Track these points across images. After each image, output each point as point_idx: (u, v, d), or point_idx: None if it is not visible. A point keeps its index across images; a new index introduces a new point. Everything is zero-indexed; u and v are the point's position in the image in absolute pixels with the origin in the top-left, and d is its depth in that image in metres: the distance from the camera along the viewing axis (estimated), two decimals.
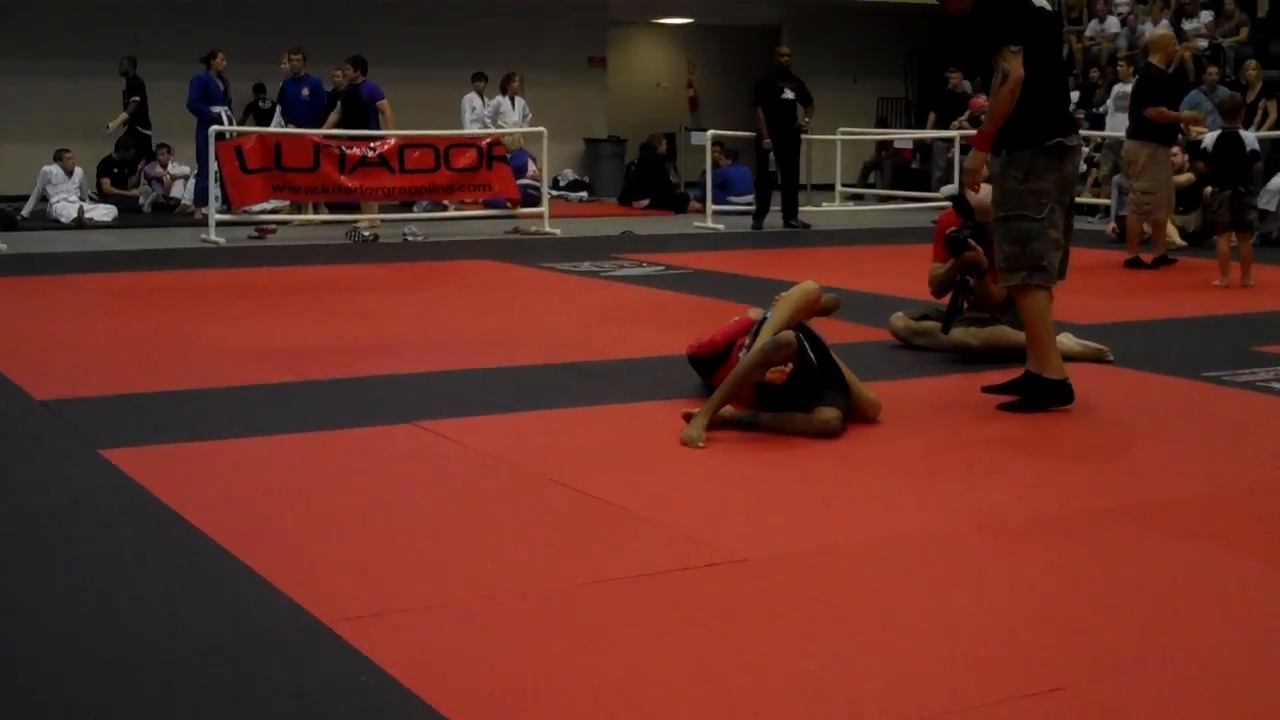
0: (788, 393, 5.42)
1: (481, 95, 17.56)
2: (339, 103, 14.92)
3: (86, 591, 3.67)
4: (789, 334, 5.40)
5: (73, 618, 3.47)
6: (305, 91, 15.23)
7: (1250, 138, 10.71)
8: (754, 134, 15.50)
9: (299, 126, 14.74)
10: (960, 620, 3.51)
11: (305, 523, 4.32)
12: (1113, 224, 14.04)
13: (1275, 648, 3.36)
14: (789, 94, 15.25)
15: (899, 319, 7.44)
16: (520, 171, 16.19)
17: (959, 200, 6.77)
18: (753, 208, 15.87)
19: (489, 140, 14.88)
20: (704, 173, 16.45)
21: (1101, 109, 17.56)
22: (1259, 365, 6.93)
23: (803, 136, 15.69)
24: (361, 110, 14.63)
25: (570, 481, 4.73)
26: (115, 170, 17.56)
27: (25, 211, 15.47)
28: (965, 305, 7.12)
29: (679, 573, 3.84)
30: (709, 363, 5.95)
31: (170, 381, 6.48)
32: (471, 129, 16.43)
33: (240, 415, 5.77)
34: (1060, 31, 6.43)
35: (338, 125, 14.52)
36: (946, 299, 7.12)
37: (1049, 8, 6.10)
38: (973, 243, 6.80)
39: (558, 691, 3.07)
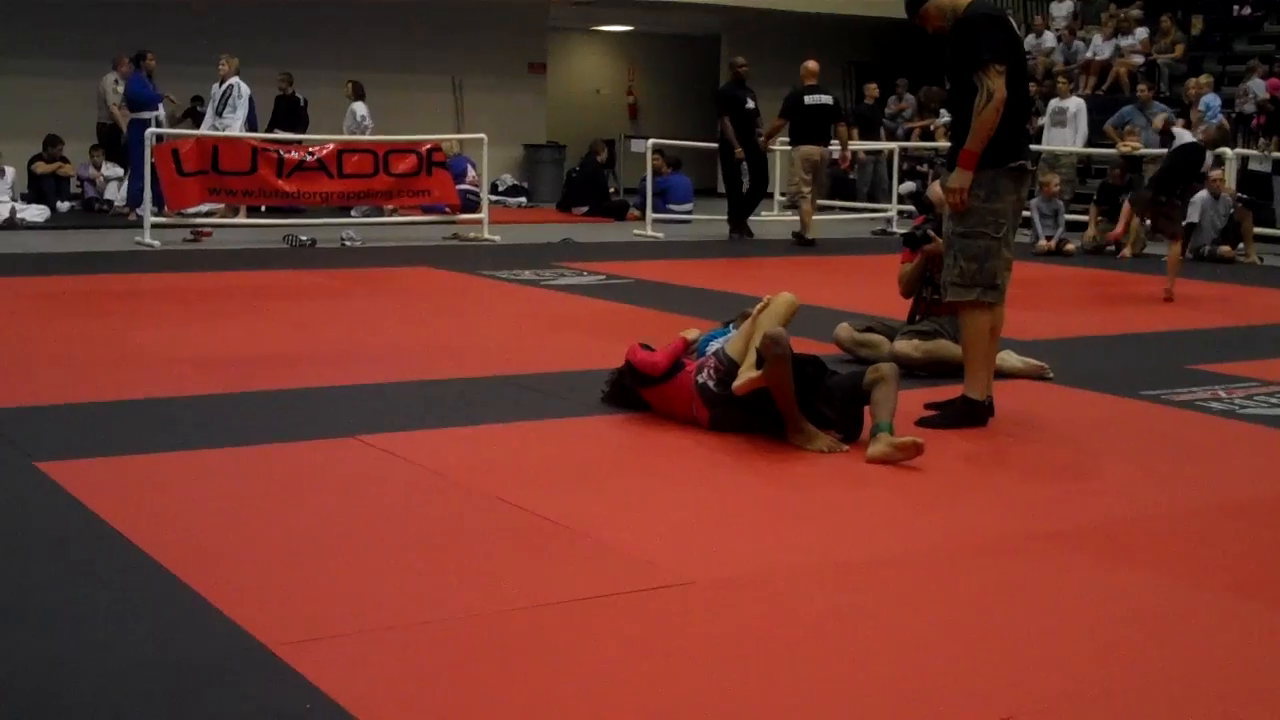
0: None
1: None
2: None
3: (24, 610, 3.60)
4: (778, 329, 5.47)
5: (6, 638, 3.40)
6: None
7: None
8: (696, 142, 15.46)
9: None
10: (905, 648, 3.50)
11: (246, 542, 4.26)
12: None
13: (1212, 667, 3.38)
14: (751, 103, 15.21)
15: (843, 329, 7.46)
16: (459, 177, 16.13)
17: (918, 196, 6.86)
18: (690, 219, 15.84)
19: (429, 146, 14.81)
20: (644, 180, 16.42)
21: (1039, 124, 17.69)
22: (1195, 384, 7.01)
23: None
24: None
25: (515, 499, 4.68)
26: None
27: None
28: (919, 315, 7.21)
29: (623, 596, 3.81)
30: (648, 381, 5.92)
31: (106, 392, 6.36)
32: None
33: (178, 428, 5.68)
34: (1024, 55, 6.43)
35: None
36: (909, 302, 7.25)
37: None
38: (932, 233, 6.88)
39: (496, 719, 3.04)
